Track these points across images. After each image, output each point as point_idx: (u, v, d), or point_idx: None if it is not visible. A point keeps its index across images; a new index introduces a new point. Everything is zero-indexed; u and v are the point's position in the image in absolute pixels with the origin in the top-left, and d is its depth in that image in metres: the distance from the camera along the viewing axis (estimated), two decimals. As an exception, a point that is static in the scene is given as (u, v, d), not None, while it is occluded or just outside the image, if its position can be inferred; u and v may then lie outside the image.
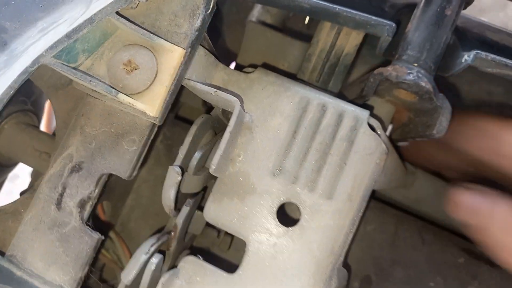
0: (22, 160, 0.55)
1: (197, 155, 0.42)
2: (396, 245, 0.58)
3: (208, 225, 0.50)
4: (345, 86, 0.51)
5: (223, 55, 0.71)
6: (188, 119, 0.63)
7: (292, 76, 0.51)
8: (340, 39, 0.50)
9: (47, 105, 0.75)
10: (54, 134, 0.61)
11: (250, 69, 0.45)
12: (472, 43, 0.48)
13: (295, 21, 0.57)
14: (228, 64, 0.69)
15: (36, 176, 0.57)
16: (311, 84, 0.47)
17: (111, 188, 0.52)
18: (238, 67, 0.55)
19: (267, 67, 0.54)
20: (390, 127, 0.57)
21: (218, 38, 0.67)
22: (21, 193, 0.57)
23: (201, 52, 0.41)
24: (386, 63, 0.51)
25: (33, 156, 0.53)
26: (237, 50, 0.58)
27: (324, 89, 0.49)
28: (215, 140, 0.45)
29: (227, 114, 0.46)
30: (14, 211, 0.44)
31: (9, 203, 0.45)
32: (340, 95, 0.50)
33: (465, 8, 0.46)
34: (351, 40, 0.50)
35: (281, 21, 0.56)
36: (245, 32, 0.55)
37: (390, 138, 0.53)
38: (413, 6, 0.45)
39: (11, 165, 0.64)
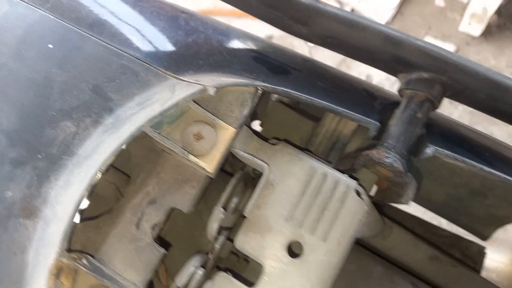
0: (92, 187, 0.72)
1: (235, 199, 0.59)
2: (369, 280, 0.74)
3: (230, 251, 0.67)
4: (341, 157, 0.69)
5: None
6: (222, 168, 0.79)
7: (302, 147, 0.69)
8: (340, 124, 0.68)
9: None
10: (116, 168, 0.78)
11: (275, 141, 0.63)
12: (436, 135, 0.66)
13: (306, 104, 0.76)
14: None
15: (97, 198, 0.74)
16: (317, 156, 0.65)
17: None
18: (263, 133, 0.73)
19: (284, 137, 0.72)
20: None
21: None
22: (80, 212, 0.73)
23: (244, 128, 0.59)
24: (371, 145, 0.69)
25: (104, 185, 0.70)
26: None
27: (326, 160, 0.67)
28: (245, 190, 0.62)
29: (255, 172, 0.64)
30: (95, 225, 0.61)
31: (92, 220, 0.61)
32: (337, 165, 0.68)
33: (433, 110, 0.63)
34: (348, 126, 0.68)
35: (295, 102, 0.75)
36: (267, 107, 0.73)
37: (372, 199, 0.71)
38: (395, 104, 0.63)
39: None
